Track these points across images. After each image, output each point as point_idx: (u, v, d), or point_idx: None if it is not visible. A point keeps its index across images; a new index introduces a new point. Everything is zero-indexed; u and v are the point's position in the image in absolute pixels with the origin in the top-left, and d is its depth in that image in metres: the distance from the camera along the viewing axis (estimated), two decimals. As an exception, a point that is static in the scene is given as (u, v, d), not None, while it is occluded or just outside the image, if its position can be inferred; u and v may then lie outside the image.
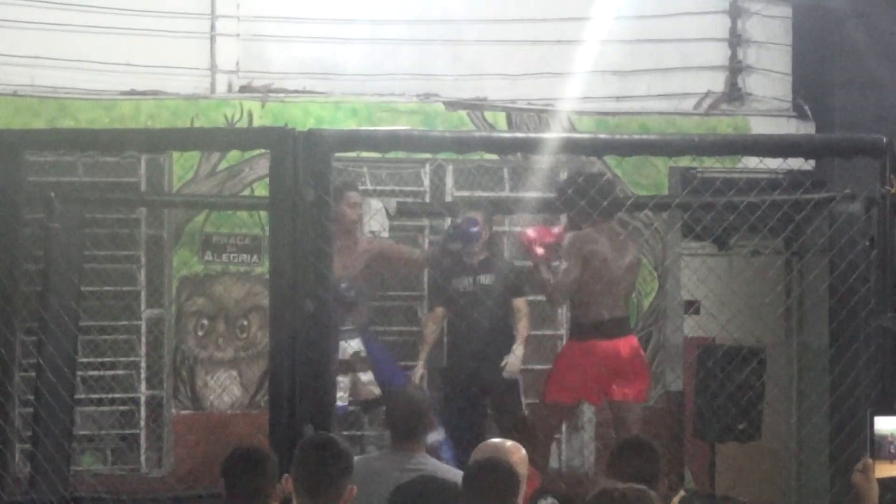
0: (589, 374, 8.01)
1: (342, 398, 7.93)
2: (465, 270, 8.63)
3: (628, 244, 8.18)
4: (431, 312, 8.87)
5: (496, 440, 5.40)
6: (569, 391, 8.11)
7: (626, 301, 8.26)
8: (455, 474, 5.51)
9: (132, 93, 9.43)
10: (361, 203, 8.60)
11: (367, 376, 8.29)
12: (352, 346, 8.22)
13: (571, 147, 7.00)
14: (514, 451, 5.17)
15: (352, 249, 8.50)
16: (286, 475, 4.47)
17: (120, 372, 9.45)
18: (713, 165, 9.11)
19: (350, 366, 8.14)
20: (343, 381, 7.99)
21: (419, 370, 8.65)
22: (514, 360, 8.46)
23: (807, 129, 10.04)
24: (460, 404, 8.52)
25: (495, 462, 4.68)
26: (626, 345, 8.07)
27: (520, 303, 8.65)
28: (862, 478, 5.20)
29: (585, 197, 7.67)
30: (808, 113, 10.09)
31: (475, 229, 8.52)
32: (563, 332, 9.66)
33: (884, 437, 5.47)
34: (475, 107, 9.81)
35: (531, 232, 8.27)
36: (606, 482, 3.87)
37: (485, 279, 8.61)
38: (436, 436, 8.10)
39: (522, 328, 8.56)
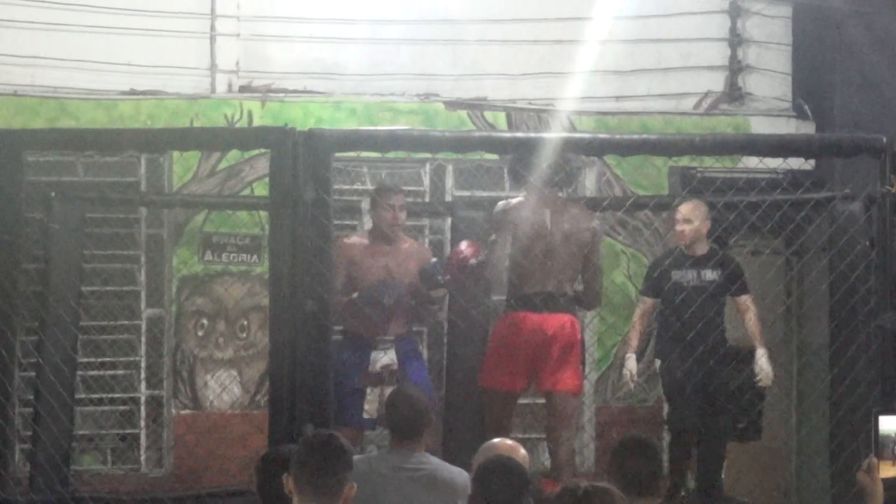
0: (515, 351, 7.36)
1: (368, 412, 7.64)
2: (688, 263, 8.16)
3: (577, 218, 7.49)
4: (642, 304, 8.40)
5: (496, 440, 5.39)
6: (499, 373, 7.42)
7: (570, 278, 7.50)
8: (458, 473, 5.52)
9: (132, 93, 9.43)
10: (402, 204, 7.89)
11: None
12: (384, 358, 7.76)
13: (571, 147, 7.00)
14: (516, 450, 5.17)
15: (392, 254, 7.89)
16: (286, 474, 4.47)
17: (120, 372, 9.45)
18: (713, 165, 9.11)
19: (380, 379, 7.69)
20: (371, 393, 7.67)
21: (631, 362, 8.21)
22: (767, 367, 8.09)
23: (807, 128, 10.04)
24: (681, 407, 8.10)
25: (505, 461, 4.67)
26: (555, 322, 7.37)
27: (747, 301, 8.20)
28: (867, 477, 5.19)
29: (527, 166, 7.28)
30: (808, 113, 10.09)
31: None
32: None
33: (888, 437, 5.46)
34: (475, 107, 9.80)
35: (463, 247, 7.67)
36: (573, 480, 3.88)
37: (711, 274, 8.14)
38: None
39: (757, 330, 8.11)
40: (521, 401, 9.62)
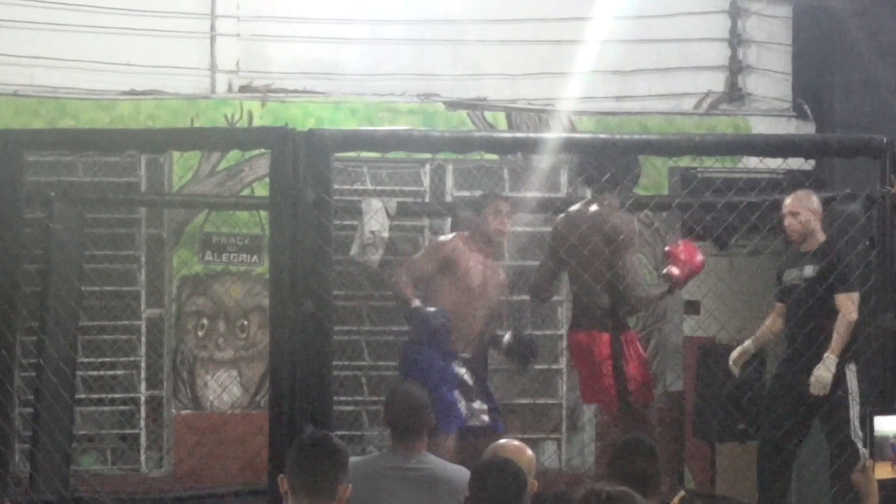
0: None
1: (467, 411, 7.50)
2: (796, 259, 7.56)
3: (595, 226, 7.38)
4: (773, 307, 7.79)
5: (503, 440, 5.38)
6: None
7: (597, 291, 7.35)
8: (459, 472, 5.50)
9: (132, 93, 9.43)
10: (508, 212, 7.81)
11: (478, 404, 7.62)
12: (463, 373, 7.58)
13: (571, 147, 7.00)
14: (522, 451, 5.15)
15: (486, 262, 7.76)
16: (281, 475, 4.45)
17: (120, 372, 9.45)
18: (713, 165, 9.11)
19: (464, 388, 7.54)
20: (462, 401, 7.50)
21: (736, 351, 7.78)
22: (821, 372, 7.16)
23: (807, 129, 10.04)
24: (779, 413, 7.44)
25: (502, 463, 4.65)
26: (576, 341, 7.54)
27: (842, 300, 7.20)
28: (862, 478, 5.19)
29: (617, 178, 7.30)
30: (809, 113, 10.09)
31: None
32: (562, 331, 9.60)
33: (884, 438, 5.46)
34: (475, 107, 9.81)
35: (681, 247, 7.40)
36: (596, 484, 3.85)
37: (810, 269, 7.40)
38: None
39: (838, 333, 7.14)
40: (521, 401, 9.68)
